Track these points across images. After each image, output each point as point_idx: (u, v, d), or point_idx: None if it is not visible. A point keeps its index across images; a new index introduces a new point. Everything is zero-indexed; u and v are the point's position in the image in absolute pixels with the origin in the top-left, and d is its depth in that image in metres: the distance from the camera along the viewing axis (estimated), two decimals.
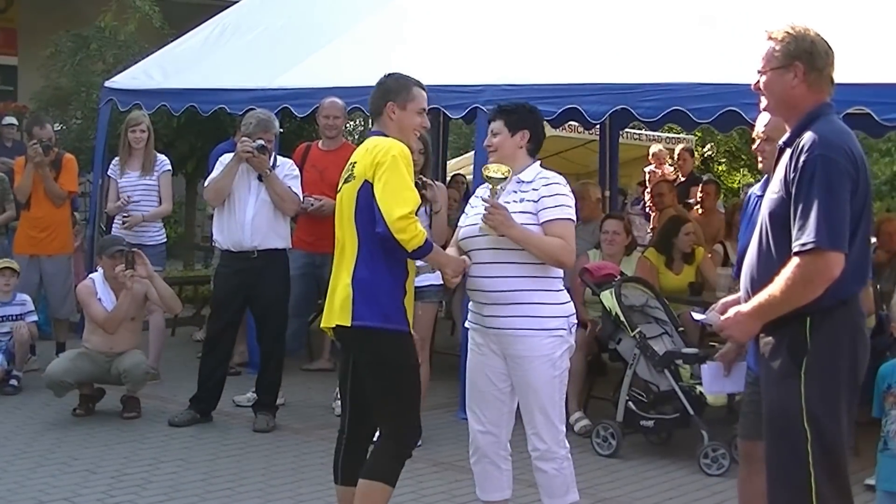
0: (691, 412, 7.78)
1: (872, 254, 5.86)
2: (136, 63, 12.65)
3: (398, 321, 5.45)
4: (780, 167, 4.46)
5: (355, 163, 5.52)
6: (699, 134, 22.11)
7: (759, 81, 4.58)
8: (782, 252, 4.34)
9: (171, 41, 12.94)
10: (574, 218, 5.74)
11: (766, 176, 5.63)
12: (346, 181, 5.57)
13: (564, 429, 5.82)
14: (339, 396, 9.15)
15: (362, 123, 20.80)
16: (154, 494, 6.97)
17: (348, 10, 11.42)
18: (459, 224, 5.93)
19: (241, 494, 7.00)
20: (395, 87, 5.65)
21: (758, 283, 4.45)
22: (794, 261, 4.23)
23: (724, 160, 27.26)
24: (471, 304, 5.87)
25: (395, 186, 5.28)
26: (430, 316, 8.37)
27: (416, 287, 7.99)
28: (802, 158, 4.26)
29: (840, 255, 4.19)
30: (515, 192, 5.68)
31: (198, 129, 12.98)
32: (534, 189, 5.67)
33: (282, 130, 9.64)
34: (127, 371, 8.70)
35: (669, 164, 18.03)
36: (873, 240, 6.75)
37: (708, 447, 7.75)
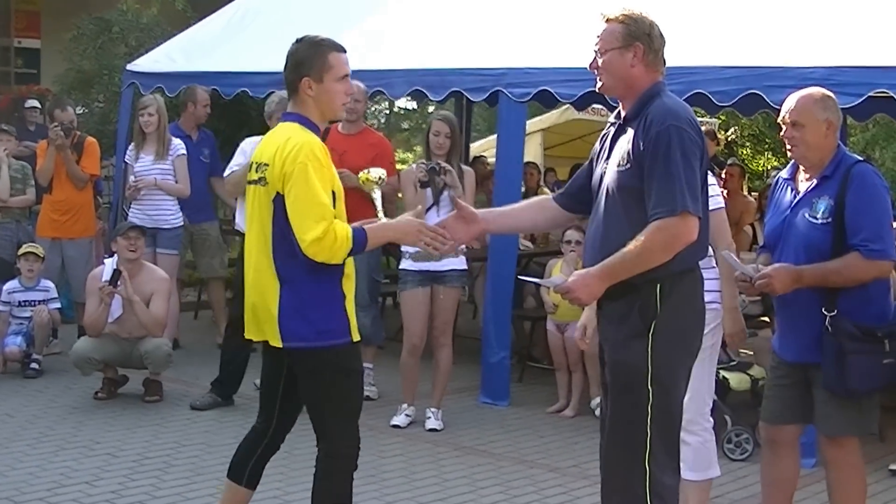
0: (715, 397, 7.73)
1: None
2: (158, 46, 12.64)
3: (336, 335, 4.94)
4: (621, 141, 4.61)
5: (266, 164, 4.91)
6: (723, 118, 21.97)
7: (595, 61, 4.72)
8: (634, 221, 4.46)
9: (194, 24, 12.92)
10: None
11: (792, 160, 5.59)
12: (258, 182, 4.97)
13: (711, 402, 5.94)
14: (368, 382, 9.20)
15: (388, 107, 20.81)
16: (175, 478, 6.98)
17: None
18: None
19: (262, 478, 6.97)
20: (307, 58, 5.00)
21: (606, 253, 4.54)
22: (656, 224, 4.37)
23: (748, 144, 27.11)
24: None
25: (304, 202, 4.76)
26: (453, 300, 8.35)
27: (438, 271, 8.13)
28: (654, 130, 4.43)
29: (697, 219, 4.42)
30: None
31: (220, 112, 12.95)
32: None
33: None
34: (148, 353, 8.72)
35: None
36: None
37: (731, 432, 7.73)
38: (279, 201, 4.83)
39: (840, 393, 5.30)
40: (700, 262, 5.59)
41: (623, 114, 4.70)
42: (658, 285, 4.47)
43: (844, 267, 5.19)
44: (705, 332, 5.62)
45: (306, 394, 5.10)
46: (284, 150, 4.83)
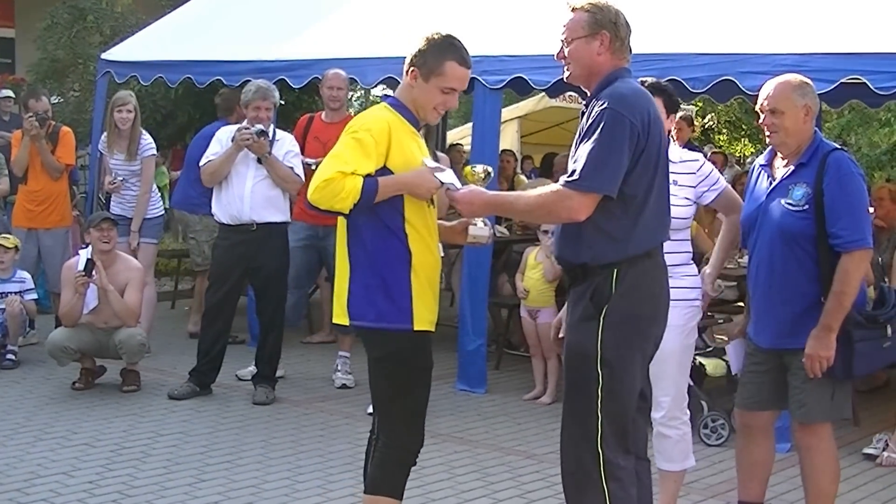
0: (691, 382, 7.76)
1: None
2: (133, 35, 12.61)
3: (395, 319, 4.87)
4: (582, 123, 4.63)
5: None
6: (699, 104, 22.06)
7: (562, 51, 4.73)
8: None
9: (168, 13, 12.89)
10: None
11: (770, 147, 5.64)
12: None
13: (687, 396, 5.95)
14: (338, 368, 9.22)
15: (364, 95, 20.74)
16: (153, 467, 6.98)
17: None
18: None
19: (240, 467, 7.01)
20: (429, 52, 5.08)
21: (558, 239, 4.78)
22: (557, 187, 4.51)
23: (724, 130, 27.23)
24: None
25: (328, 157, 4.84)
26: None
27: None
28: (596, 110, 4.48)
29: (593, 197, 4.43)
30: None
31: (195, 100, 12.95)
32: (688, 173, 5.78)
33: (282, 103, 9.61)
34: (122, 342, 8.71)
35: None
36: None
37: (707, 417, 7.78)
38: None
39: (842, 378, 5.38)
40: (679, 259, 5.69)
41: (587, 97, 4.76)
42: (614, 270, 4.52)
43: (845, 276, 5.23)
44: (684, 330, 5.71)
45: (370, 378, 5.03)
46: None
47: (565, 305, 5.78)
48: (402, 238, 4.87)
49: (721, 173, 6.06)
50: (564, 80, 4.84)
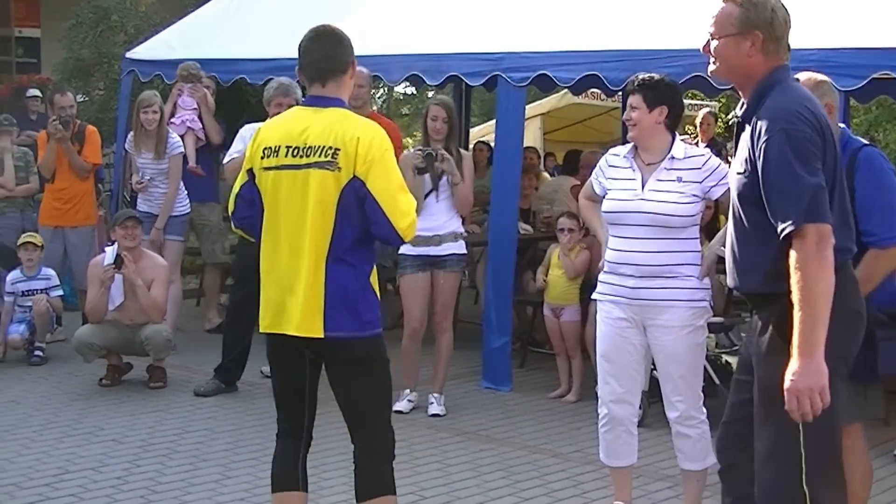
0: (717, 382, 7.75)
1: None
2: (156, 34, 12.64)
3: (376, 325, 4.82)
4: (741, 144, 4.21)
5: (336, 148, 4.69)
6: (723, 101, 21.99)
7: (708, 44, 4.31)
8: (761, 233, 4.11)
9: (192, 12, 12.91)
10: None
11: None
12: (317, 166, 4.70)
13: (703, 395, 5.88)
14: None
15: (386, 92, 20.75)
16: (179, 464, 7.02)
17: None
18: (607, 197, 5.88)
19: (266, 463, 6.95)
20: (350, 44, 5.02)
21: (742, 266, 4.25)
22: (793, 254, 3.93)
23: None
24: (609, 277, 5.82)
25: (396, 188, 4.73)
26: (453, 284, 8.37)
27: (437, 256, 8.14)
28: (764, 138, 4.02)
29: (827, 225, 3.92)
30: (669, 169, 5.72)
31: (219, 98, 12.96)
32: (694, 168, 5.72)
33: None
34: (148, 338, 8.77)
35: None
36: None
37: None
38: (351, 188, 4.66)
39: (865, 380, 5.24)
40: (683, 259, 5.64)
41: (743, 106, 4.30)
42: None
43: (871, 271, 5.06)
44: (689, 330, 5.68)
45: (349, 386, 4.87)
46: (359, 134, 4.72)
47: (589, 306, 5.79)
48: None
49: None
50: (708, 73, 4.47)
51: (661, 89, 5.81)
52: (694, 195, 5.69)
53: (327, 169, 4.68)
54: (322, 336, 4.71)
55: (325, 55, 4.90)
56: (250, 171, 4.90)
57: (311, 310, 4.70)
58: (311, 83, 4.91)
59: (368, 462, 4.93)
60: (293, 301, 4.74)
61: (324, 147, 4.71)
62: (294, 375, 5.07)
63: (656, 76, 5.89)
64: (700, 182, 5.71)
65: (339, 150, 4.68)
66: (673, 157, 5.74)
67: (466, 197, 8.30)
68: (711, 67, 4.35)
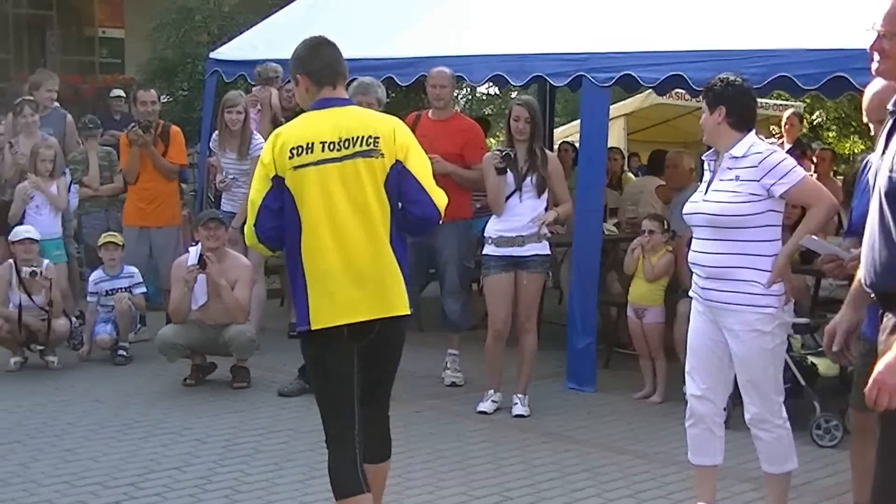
0: (803, 383, 7.66)
1: None
2: (240, 34, 12.71)
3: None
4: (894, 141, 3.87)
5: (376, 136, 4.92)
6: (808, 101, 21.73)
7: (879, 42, 3.93)
8: None
9: (275, 12, 12.97)
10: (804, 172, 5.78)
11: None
12: (364, 154, 4.89)
13: (781, 399, 5.75)
14: (448, 366, 9.18)
15: (470, 93, 20.71)
16: (264, 464, 7.02)
17: None
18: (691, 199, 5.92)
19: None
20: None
21: (881, 268, 3.94)
22: None
23: (833, 127, 26.80)
24: (694, 276, 5.88)
25: (430, 171, 5.13)
26: (537, 285, 8.32)
27: (521, 257, 8.10)
28: None
29: None
30: (730, 168, 5.66)
31: None
32: (751, 167, 5.61)
33: (387, 101, 9.62)
34: (232, 338, 8.81)
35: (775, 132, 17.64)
36: None
37: (820, 418, 7.62)
38: (395, 171, 4.96)
39: None
40: (742, 262, 5.55)
41: None
42: None
43: None
44: (757, 335, 5.58)
45: (393, 365, 5.28)
46: (388, 122, 5.09)
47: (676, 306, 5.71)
48: None
49: (830, 171, 5.90)
50: (873, 72, 4.11)
51: (720, 90, 5.76)
52: (752, 194, 5.57)
53: (372, 157, 4.93)
54: (409, 312, 5.06)
55: (336, 59, 5.21)
56: (276, 178, 4.90)
57: (395, 290, 4.98)
58: (324, 85, 5.13)
59: (386, 429, 5.43)
60: (372, 286, 4.93)
61: (364, 137, 4.94)
62: (350, 374, 5.08)
63: (730, 77, 5.82)
64: (758, 180, 5.57)
65: (378, 137, 4.95)
66: (734, 157, 5.67)
67: (566, 212, 8.47)
68: (875, 66, 4.02)
